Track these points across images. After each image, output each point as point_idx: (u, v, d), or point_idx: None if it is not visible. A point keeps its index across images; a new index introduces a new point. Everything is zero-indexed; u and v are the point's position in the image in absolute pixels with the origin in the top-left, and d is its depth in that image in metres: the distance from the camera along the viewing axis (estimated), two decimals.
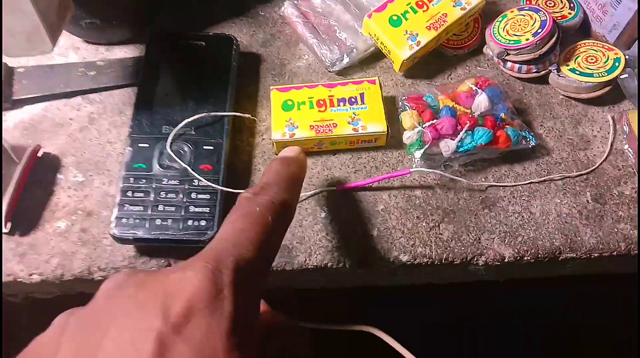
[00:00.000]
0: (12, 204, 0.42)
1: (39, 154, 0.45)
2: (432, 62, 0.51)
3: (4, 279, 0.42)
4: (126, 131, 0.45)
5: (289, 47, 0.52)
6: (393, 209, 0.44)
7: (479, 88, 0.45)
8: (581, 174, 0.45)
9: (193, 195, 0.41)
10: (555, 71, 0.49)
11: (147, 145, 0.43)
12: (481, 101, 0.44)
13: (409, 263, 0.42)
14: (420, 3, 0.49)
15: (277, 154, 0.45)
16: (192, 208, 0.41)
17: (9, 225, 0.42)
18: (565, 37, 0.51)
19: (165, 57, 0.48)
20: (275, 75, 0.51)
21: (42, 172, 0.45)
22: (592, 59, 0.49)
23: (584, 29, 0.54)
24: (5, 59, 0.49)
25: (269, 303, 0.34)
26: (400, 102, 0.46)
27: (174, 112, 0.45)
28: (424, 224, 0.43)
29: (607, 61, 0.49)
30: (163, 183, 0.42)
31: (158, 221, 0.40)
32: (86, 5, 0.47)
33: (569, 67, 0.49)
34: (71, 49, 0.52)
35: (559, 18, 0.52)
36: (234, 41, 0.49)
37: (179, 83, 0.47)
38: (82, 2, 0.46)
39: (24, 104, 0.49)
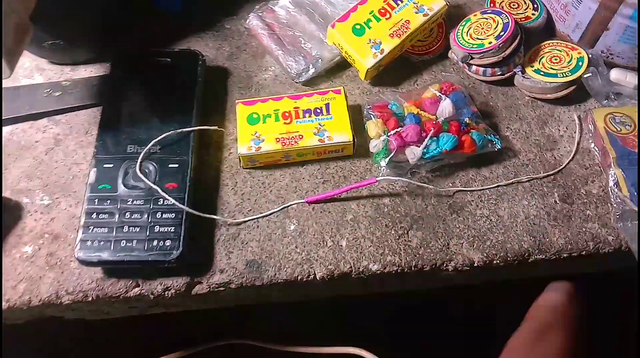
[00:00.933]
0: None
1: None
2: (398, 69, 0.51)
3: None
4: (91, 152, 0.45)
5: (255, 59, 0.52)
6: (362, 218, 0.43)
7: (443, 94, 0.45)
8: (549, 175, 0.45)
9: (158, 215, 0.41)
10: (520, 72, 0.49)
11: (112, 165, 0.43)
12: (445, 107, 0.44)
13: (379, 271, 0.41)
14: (382, 11, 0.49)
15: (243, 168, 0.45)
16: (157, 228, 0.40)
17: None
18: (530, 38, 0.51)
19: (131, 75, 0.48)
20: (242, 88, 0.51)
21: (8, 198, 0.44)
22: (556, 59, 0.49)
23: (548, 29, 0.54)
24: None
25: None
26: (365, 111, 0.46)
27: (139, 130, 0.45)
28: (392, 232, 0.43)
29: (570, 60, 0.49)
30: (128, 203, 0.41)
31: (123, 243, 0.40)
32: (48, 26, 0.47)
33: (533, 69, 0.49)
34: (36, 70, 0.52)
35: (523, 19, 0.52)
36: (199, 56, 0.49)
37: (144, 101, 0.47)
38: (43, 24, 0.46)
39: None
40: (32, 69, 0.52)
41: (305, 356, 0.54)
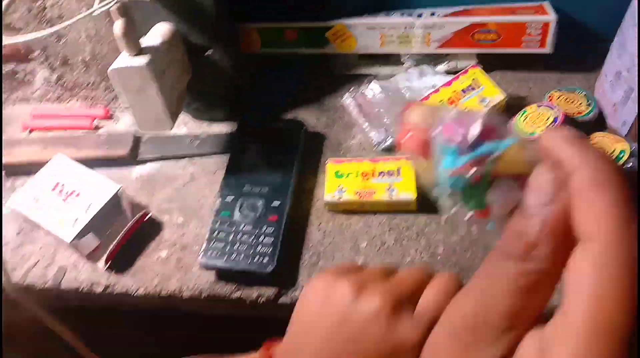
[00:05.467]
0: (114, 250, 0.57)
1: (145, 219, 0.60)
2: None
3: (116, 291, 0.56)
4: (218, 187, 0.60)
5: (345, 129, 0.66)
6: (418, 263, 0.54)
7: None
8: None
9: (261, 238, 0.54)
10: None
11: (232, 198, 0.57)
12: None
13: None
14: (451, 100, 0.61)
15: (328, 210, 0.58)
16: (259, 247, 0.54)
17: (107, 264, 0.56)
18: (583, 129, 0.60)
19: (251, 135, 0.64)
20: (333, 150, 0.64)
21: (153, 217, 0.60)
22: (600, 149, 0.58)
23: (601, 122, 0.63)
24: (136, 129, 0.67)
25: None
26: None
27: (254, 175, 0.59)
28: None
29: (614, 150, 0.57)
30: (240, 227, 0.55)
31: (234, 255, 0.53)
32: (195, 94, 0.64)
33: None
34: (182, 123, 0.69)
35: (576, 114, 0.62)
36: (303, 125, 0.64)
37: (260, 154, 0.62)
38: (192, 92, 0.63)
39: (145, 162, 0.66)
40: (179, 123, 0.69)
41: None
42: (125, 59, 0.49)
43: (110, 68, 0.49)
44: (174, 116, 0.55)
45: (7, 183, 0.67)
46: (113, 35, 0.57)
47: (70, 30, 0.60)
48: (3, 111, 0.75)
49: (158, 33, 0.53)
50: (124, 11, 0.46)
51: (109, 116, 0.71)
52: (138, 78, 0.50)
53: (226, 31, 0.61)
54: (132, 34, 0.48)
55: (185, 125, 0.69)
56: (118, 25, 0.46)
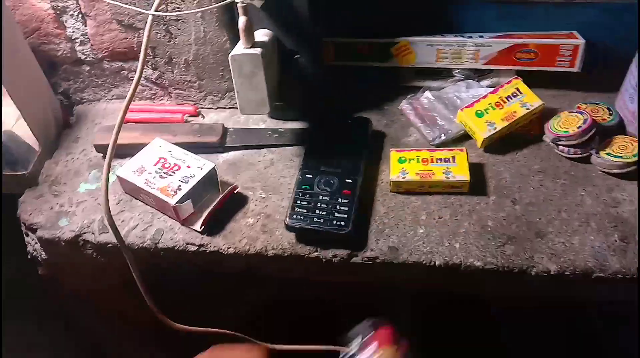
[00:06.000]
0: (208, 216, 0.66)
1: (234, 191, 0.71)
2: (505, 143, 0.72)
3: (209, 250, 0.66)
4: (293, 171, 0.70)
5: (403, 128, 0.77)
6: (472, 232, 0.63)
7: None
8: (615, 225, 0.62)
9: (337, 206, 0.64)
10: (595, 153, 0.68)
11: (311, 176, 0.68)
12: None
13: (480, 267, 0.60)
14: (497, 103, 0.72)
15: (391, 191, 0.68)
16: (336, 214, 0.63)
17: (202, 227, 0.66)
18: (606, 133, 0.70)
19: (325, 128, 0.75)
20: (394, 145, 0.75)
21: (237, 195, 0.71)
22: (623, 147, 0.68)
23: (622, 128, 0.73)
24: (223, 121, 0.78)
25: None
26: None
27: (329, 159, 0.70)
28: (492, 243, 0.62)
29: (634, 149, 0.67)
30: (319, 197, 0.65)
31: (315, 218, 0.63)
32: (278, 92, 0.76)
33: (605, 152, 0.68)
34: (261, 120, 0.81)
35: (600, 120, 0.72)
36: (369, 121, 0.75)
37: (333, 143, 0.73)
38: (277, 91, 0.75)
39: (230, 151, 0.76)
40: (259, 119, 0.81)
41: None
42: (243, 49, 0.61)
43: (231, 54, 0.61)
44: (271, 103, 0.66)
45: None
46: (217, 39, 0.70)
47: (181, 33, 0.73)
48: (99, 107, 0.87)
49: (263, 35, 0.66)
50: (245, 10, 0.59)
51: (197, 114, 0.82)
52: (251, 64, 0.62)
53: (314, 42, 0.73)
54: (250, 30, 0.60)
55: (264, 122, 0.80)
56: (242, 21, 0.59)
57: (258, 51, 0.61)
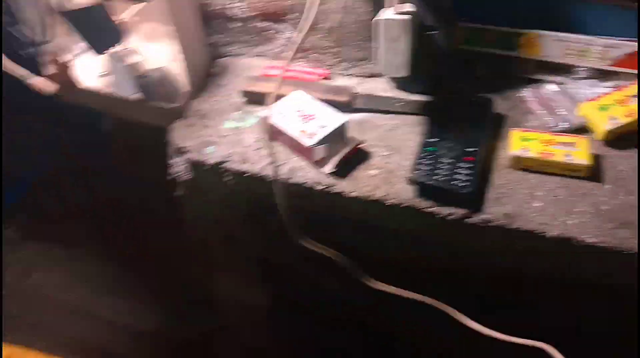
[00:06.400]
0: (337, 162, 0.74)
1: (361, 145, 0.78)
2: (625, 138, 0.75)
3: (334, 191, 0.73)
4: (416, 136, 0.77)
5: (523, 114, 0.81)
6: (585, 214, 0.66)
7: None
8: None
9: (459, 170, 0.69)
10: None
11: (435, 140, 0.74)
12: None
13: (592, 244, 0.63)
14: (621, 101, 0.75)
15: (508, 166, 0.72)
16: (457, 176, 0.69)
17: (333, 169, 0.73)
18: None
19: (449, 102, 0.81)
20: (512, 127, 0.79)
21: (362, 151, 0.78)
22: None
23: None
24: (354, 87, 0.86)
25: None
26: None
27: (452, 129, 0.75)
28: (604, 225, 0.65)
29: None
30: (442, 158, 0.71)
31: (437, 176, 0.69)
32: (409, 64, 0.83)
33: None
34: (389, 89, 0.87)
35: None
36: (492, 101, 0.80)
37: (456, 116, 0.78)
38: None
39: (358, 112, 0.84)
40: (386, 89, 0.87)
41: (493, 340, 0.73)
42: (391, 14, 0.68)
43: (380, 18, 0.68)
44: (409, 67, 0.73)
45: (247, 107, 0.87)
46: (361, 9, 0.78)
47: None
48: (241, 62, 0.97)
49: (407, 6, 0.73)
50: None
51: (329, 78, 0.90)
52: (398, 29, 0.69)
53: (451, 22, 0.79)
54: None
55: (389, 91, 0.87)
56: None
57: (407, 17, 0.68)
